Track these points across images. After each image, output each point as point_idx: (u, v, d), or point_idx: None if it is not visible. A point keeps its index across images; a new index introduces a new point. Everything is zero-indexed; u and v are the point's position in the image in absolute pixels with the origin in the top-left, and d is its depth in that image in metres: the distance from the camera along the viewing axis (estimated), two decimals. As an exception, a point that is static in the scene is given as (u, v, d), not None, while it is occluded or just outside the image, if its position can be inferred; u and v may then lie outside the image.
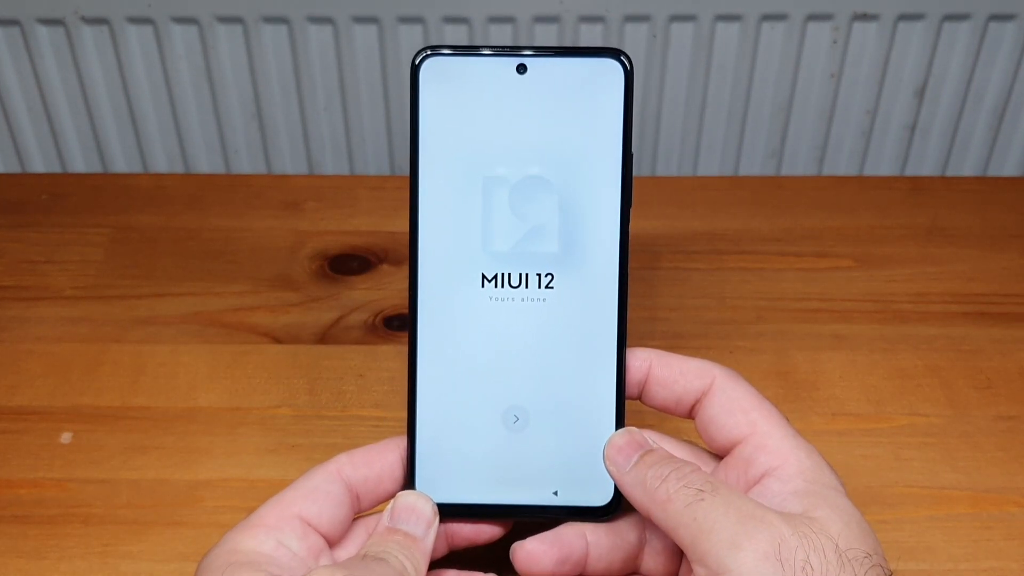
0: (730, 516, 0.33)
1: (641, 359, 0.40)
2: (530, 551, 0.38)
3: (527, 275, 0.39)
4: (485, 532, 0.40)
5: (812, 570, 0.31)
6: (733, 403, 0.38)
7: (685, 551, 0.34)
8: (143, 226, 0.65)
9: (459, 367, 0.40)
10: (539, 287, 0.39)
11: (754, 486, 0.36)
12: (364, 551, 0.36)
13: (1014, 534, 0.47)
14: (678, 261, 0.63)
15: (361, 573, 0.34)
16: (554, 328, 0.39)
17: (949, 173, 0.73)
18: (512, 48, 0.39)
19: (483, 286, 0.39)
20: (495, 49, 0.39)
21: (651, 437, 0.39)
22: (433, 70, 0.39)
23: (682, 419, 0.40)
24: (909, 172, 0.73)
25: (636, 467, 0.36)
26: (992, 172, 0.73)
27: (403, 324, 0.58)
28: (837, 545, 0.32)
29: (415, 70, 0.38)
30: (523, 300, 0.39)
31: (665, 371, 0.39)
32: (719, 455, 0.39)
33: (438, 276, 0.40)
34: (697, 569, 0.33)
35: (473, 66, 0.39)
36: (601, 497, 0.39)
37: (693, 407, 0.39)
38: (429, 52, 0.39)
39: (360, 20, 0.67)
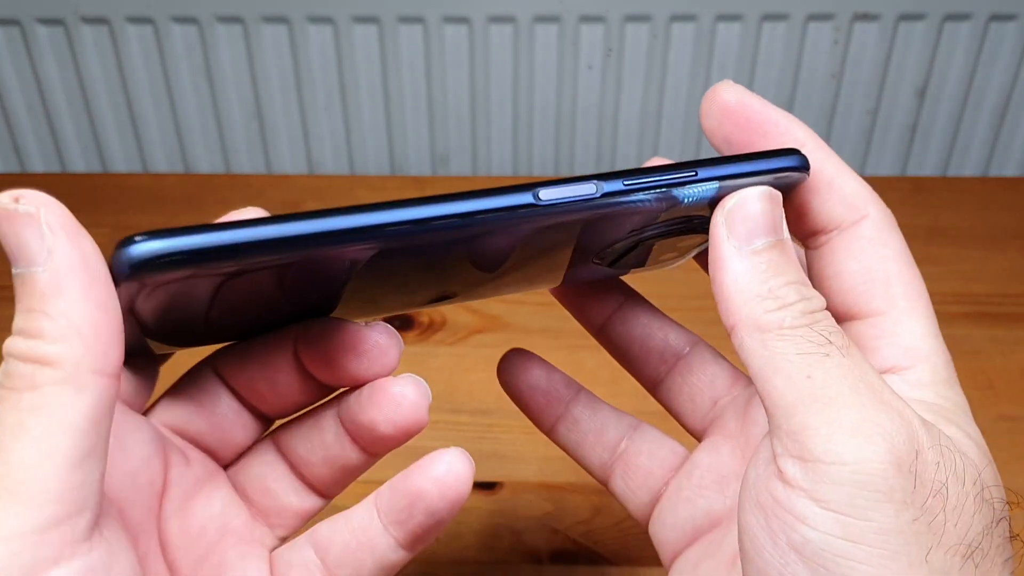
0: (861, 394, 0.24)
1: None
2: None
3: None
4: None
5: (947, 499, 0.24)
6: (875, 262, 0.27)
7: (766, 410, 0.24)
8: (143, 226, 0.64)
9: None
10: None
11: None
12: None
13: (1015, 534, 0.47)
14: (678, 261, 0.62)
15: None
16: None
17: (950, 173, 0.73)
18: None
19: None
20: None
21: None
22: None
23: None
24: (910, 172, 0.73)
25: (758, 253, 0.25)
26: (993, 172, 0.73)
27: (403, 324, 0.58)
28: (981, 476, 0.25)
29: None
30: None
31: (816, 179, 0.27)
32: None
33: None
34: (777, 445, 0.24)
35: None
36: None
37: (818, 237, 0.28)
38: None
39: (360, 20, 0.66)
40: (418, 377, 0.28)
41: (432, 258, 0.26)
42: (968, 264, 0.62)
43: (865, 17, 0.66)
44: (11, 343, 0.22)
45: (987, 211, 0.66)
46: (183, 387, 0.30)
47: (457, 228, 0.24)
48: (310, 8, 0.66)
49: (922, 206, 0.66)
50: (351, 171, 0.73)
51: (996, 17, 0.66)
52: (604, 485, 0.35)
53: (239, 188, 0.68)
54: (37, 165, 0.73)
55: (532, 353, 0.35)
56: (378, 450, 0.29)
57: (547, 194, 0.24)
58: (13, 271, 0.21)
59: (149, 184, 0.69)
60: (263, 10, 0.66)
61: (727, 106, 0.27)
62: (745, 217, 0.25)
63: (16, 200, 0.21)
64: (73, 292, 0.21)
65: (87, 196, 0.67)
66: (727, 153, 0.27)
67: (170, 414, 0.29)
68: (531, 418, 0.35)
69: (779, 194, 0.26)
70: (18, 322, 0.22)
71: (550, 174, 0.73)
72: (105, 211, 0.66)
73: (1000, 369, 0.55)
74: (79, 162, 0.73)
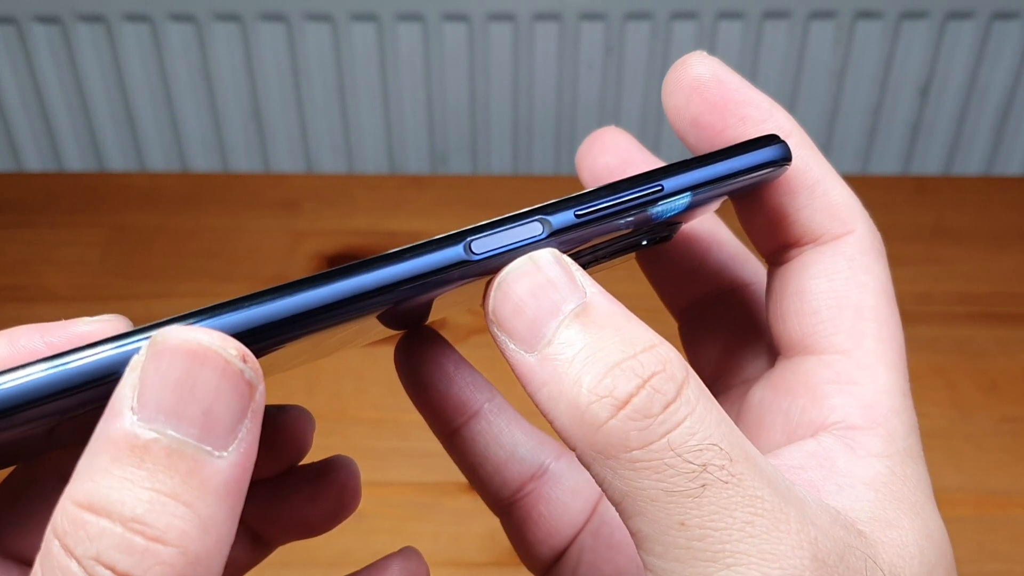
0: (756, 535, 0.18)
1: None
2: None
3: None
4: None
5: None
6: (850, 288, 0.22)
7: (637, 549, 0.19)
8: (139, 225, 0.64)
9: None
10: None
11: (809, 436, 0.21)
12: None
13: (1018, 536, 0.47)
14: (679, 261, 0.62)
15: None
16: None
17: (953, 172, 0.73)
18: None
19: None
20: None
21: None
22: None
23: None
24: (913, 171, 0.73)
25: (554, 345, 0.19)
26: (997, 171, 0.73)
27: (401, 324, 0.58)
28: None
29: None
30: None
31: (798, 180, 0.23)
32: (774, 345, 0.24)
33: None
34: None
35: None
36: None
37: (788, 250, 0.23)
38: None
39: (358, 17, 0.66)
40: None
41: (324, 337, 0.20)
42: (971, 264, 0.61)
43: (867, 15, 0.66)
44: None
45: (991, 210, 0.65)
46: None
47: (346, 318, 0.19)
48: (308, 5, 0.65)
49: (925, 205, 0.66)
50: (349, 170, 0.72)
51: (999, 15, 0.66)
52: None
53: (236, 187, 0.67)
54: (33, 163, 0.72)
55: (441, 337, 0.27)
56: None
57: (482, 245, 0.19)
58: (148, 429, 0.16)
59: (146, 183, 0.68)
60: (261, 7, 0.66)
61: (699, 81, 0.23)
62: (516, 310, 0.19)
63: (244, 360, 0.16)
64: (231, 501, 0.16)
65: (83, 195, 0.67)
66: (690, 138, 0.23)
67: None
68: (427, 419, 0.27)
69: (544, 257, 0.19)
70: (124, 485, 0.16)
71: (550, 174, 0.72)
72: (102, 210, 0.65)
73: (1003, 370, 0.55)
74: (75, 161, 0.72)
